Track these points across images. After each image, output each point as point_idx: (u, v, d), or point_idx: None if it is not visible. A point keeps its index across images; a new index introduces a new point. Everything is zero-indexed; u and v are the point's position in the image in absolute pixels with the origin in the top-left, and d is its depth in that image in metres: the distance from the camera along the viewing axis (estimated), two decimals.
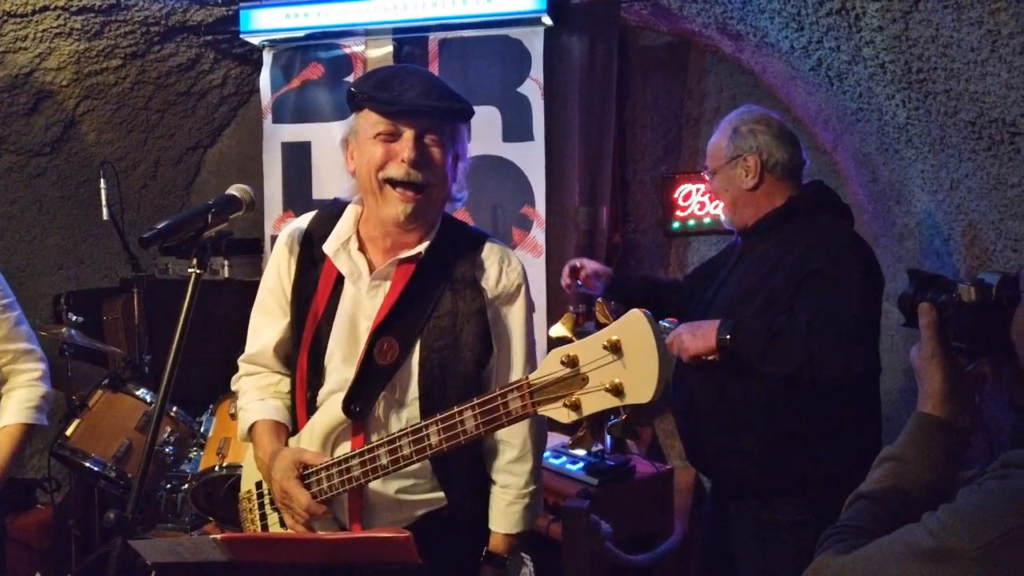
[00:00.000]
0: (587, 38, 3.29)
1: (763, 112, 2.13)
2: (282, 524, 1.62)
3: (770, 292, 1.91)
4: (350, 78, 3.51)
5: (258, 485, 1.71)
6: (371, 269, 1.58)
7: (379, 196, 1.51)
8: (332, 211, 1.65)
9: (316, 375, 1.58)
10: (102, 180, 3.36)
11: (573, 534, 2.21)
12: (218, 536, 1.17)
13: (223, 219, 1.51)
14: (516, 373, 1.59)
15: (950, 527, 0.91)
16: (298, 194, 3.62)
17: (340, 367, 1.56)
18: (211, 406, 3.09)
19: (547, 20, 3.22)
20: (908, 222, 2.68)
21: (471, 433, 1.27)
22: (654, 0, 3.12)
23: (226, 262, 3.82)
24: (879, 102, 2.27)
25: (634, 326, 1.04)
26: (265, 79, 3.62)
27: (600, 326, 1.11)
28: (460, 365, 1.53)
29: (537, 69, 3.28)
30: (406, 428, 1.37)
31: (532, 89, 3.29)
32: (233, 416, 2.89)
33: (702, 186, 3.59)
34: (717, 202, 3.58)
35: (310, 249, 1.62)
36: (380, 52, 3.47)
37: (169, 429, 3.02)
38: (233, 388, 1.77)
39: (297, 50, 3.58)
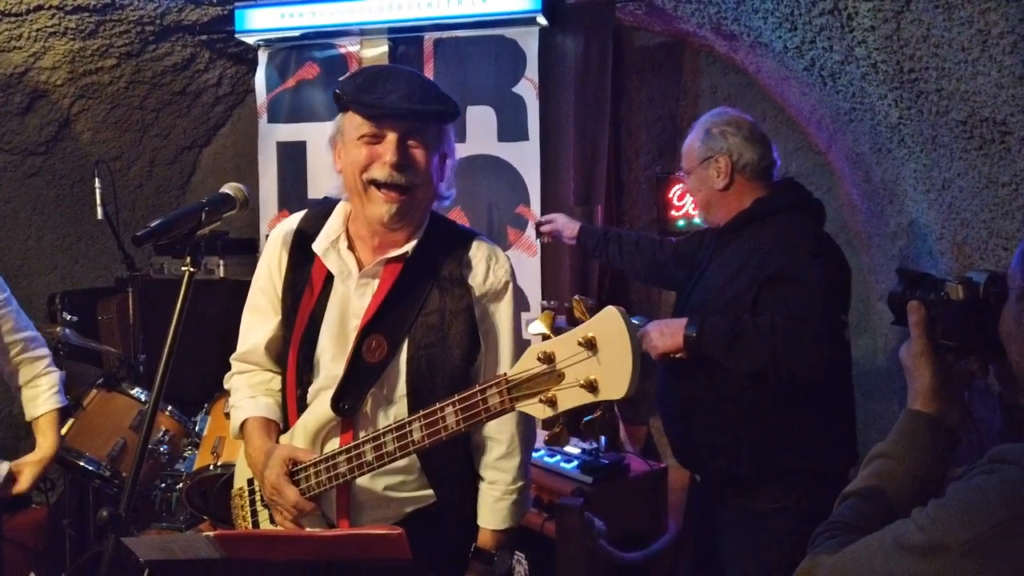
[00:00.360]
0: (582, 38, 3.29)
1: (735, 114, 2.17)
2: (272, 521, 1.62)
3: (734, 293, 1.98)
4: None
5: (250, 482, 1.72)
6: (360, 267, 1.59)
7: (364, 197, 1.53)
8: (322, 210, 1.66)
9: (306, 373, 1.59)
10: (97, 180, 3.36)
11: (567, 532, 2.21)
12: (211, 533, 1.17)
13: (217, 217, 1.51)
14: (503, 370, 1.57)
15: (939, 522, 0.92)
16: (293, 194, 3.62)
17: (329, 365, 1.57)
18: (206, 405, 3.09)
19: (542, 20, 3.22)
20: (901, 221, 2.69)
21: (452, 429, 1.28)
22: (648, 0, 3.13)
23: (221, 262, 3.82)
24: (872, 102, 2.28)
25: (609, 323, 1.05)
26: (260, 79, 3.62)
27: (577, 323, 1.12)
28: (448, 362, 1.54)
29: (532, 69, 3.28)
30: (390, 425, 1.38)
31: (527, 89, 3.30)
32: (227, 415, 2.88)
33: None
34: None
35: (300, 248, 1.63)
36: (375, 52, 3.48)
37: (164, 428, 3.02)
38: (226, 386, 1.78)
39: (292, 50, 3.58)
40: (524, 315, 2.31)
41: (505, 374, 1.17)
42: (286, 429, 1.64)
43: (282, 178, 3.65)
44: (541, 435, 2.92)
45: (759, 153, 2.09)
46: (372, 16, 3.36)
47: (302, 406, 1.60)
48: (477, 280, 1.58)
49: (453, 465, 1.62)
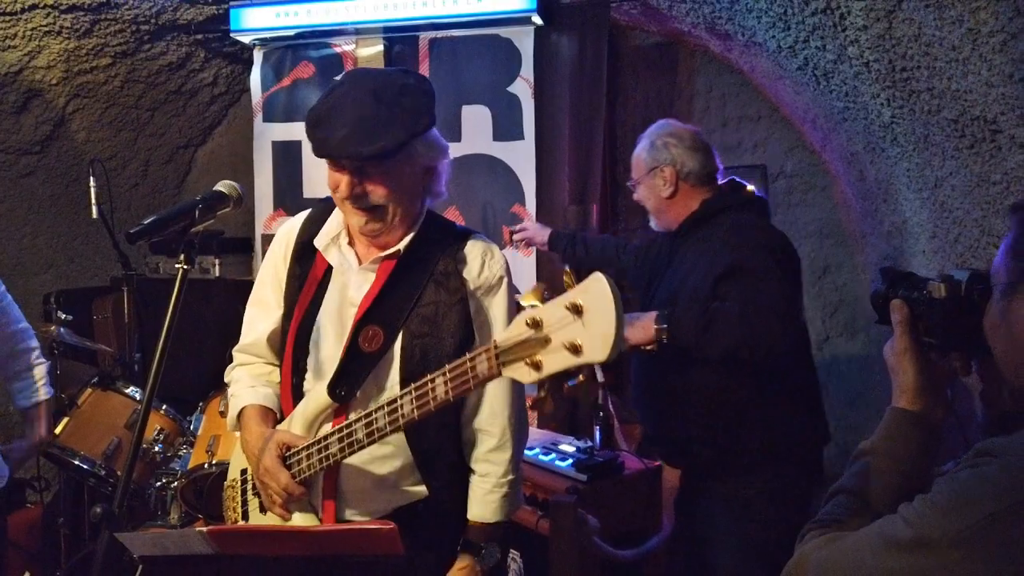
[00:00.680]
0: (577, 38, 3.30)
1: (678, 126, 2.31)
2: (262, 509, 1.64)
3: (692, 289, 2.10)
4: (341, 77, 3.51)
5: (243, 472, 1.74)
6: (359, 262, 1.63)
7: (341, 209, 1.59)
8: (324, 208, 1.70)
9: (302, 362, 1.63)
10: (92, 179, 3.35)
11: (561, 529, 2.22)
12: (204, 529, 1.18)
13: (211, 215, 1.52)
14: None
15: (927, 517, 0.92)
16: (289, 192, 3.63)
17: (326, 355, 1.60)
18: (201, 404, 3.09)
19: (537, 19, 3.23)
20: (895, 220, 2.70)
21: (441, 399, 1.29)
22: (643, 0, 3.14)
23: (217, 261, 3.82)
24: (864, 101, 2.29)
25: (595, 288, 1.06)
26: (255, 78, 3.63)
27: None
28: (441, 352, 1.55)
29: (527, 68, 3.29)
30: (382, 403, 1.40)
31: (522, 88, 3.30)
32: (223, 413, 2.89)
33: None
34: None
35: (304, 244, 1.68)
36: (371, 51, 3.48)
37: (158, 427, 3.02)
38: (226, 379, 1.80)
39: (288, 49, 3.58)
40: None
41: (495, 341, 1.18)
42: (283, 419, 1.66)
43: (277, 177, 3.65)
44: (536, 434, 2.93)
45: (701, 161, 2.22)
46: (367, 15, 3.37)
47: (298, 395, 1.62)
48: (472, 274, 1.61)
49: (448, 460, 1.63)
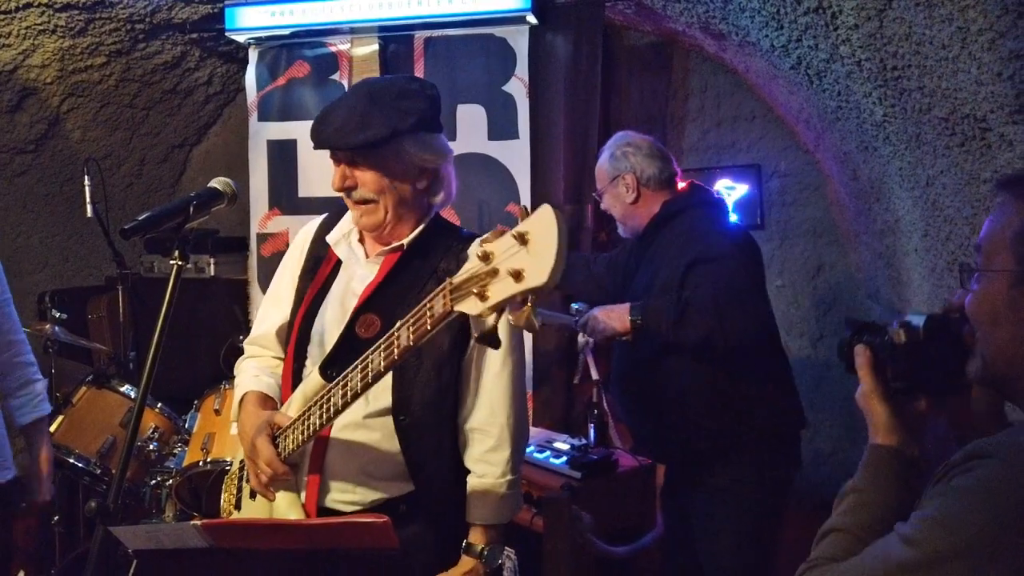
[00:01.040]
0: (572, 37, 3.31)
1: (635, 136, 2.44)
2: (253, 495, 1.66)
3: (662, 284, 2.20)
4: (336, 76, 3.52)
5: (242, 462, 1.76)
6: (367, 256, 1.69)
7: (345, 201, 1.67)
8: (341, 209, 1.77)
9: (304, 349, 1.68)
10: (87, 178, 3.35)
11: (554, 526, 2.23)
12: (198, 522, 1.18)
13: (205, 212, 1.53)
14: (494, 359, 1.62)
15: (930, 532, 0.90)
16: (284, 192, 3.63)
17: (326, 342, 1.62)
18: (196, 402, 3.09)
19: (532, 19, 3.24)
20: (888, 219, 2.71)
21: (403, 345, 1.29)
22: (638, 0, 3.15)
23: (212, 260, 3.82)
24: (857, 100, 2.31)
25: (542, 218, 1.06)
26: (251, 77, 3.62)
27: None
28: (435, 345, 1.57)
29: (522, 67, 3.30)
30: (356, 363, 1.41)
31: (517, 87, 3.31)
32: (218, 411, 2.90)
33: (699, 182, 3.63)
34: None
35: (318, 242, 1.76)
36: (366, 50, 3.49)
37: (153, 425, 3.02)
38: (235, 371, 1.83)
39: (283, 48, 3.58)
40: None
41: (450, 279, 1.19)
42: (283, 406, 1.68)
43: (272, 176, 3.65)
44: (531, 431, 2.94)
45: (659, 167, 2.35)
46: (362, 14, 3.37)
47: (298, 381, 1.65)
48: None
49: (440, 460, 1.62)
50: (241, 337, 3.10)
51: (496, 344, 1.17)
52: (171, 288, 1.44)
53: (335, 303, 1.67)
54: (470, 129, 3.37)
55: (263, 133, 3.63)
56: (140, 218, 1.44)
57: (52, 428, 2.91)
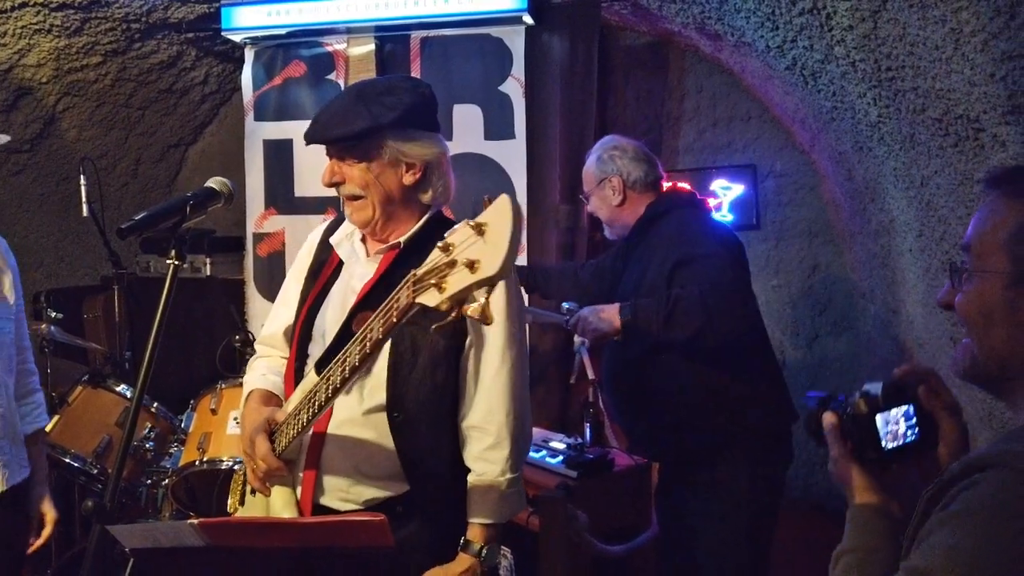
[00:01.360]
0: (568, 37, 3.31)
1: (621, 140, 2.47)
2: (254, 492, 1.67)
3: (649, 284, 2.23)
4: (332, 76, 3.52)
5: None
6: (367, 255, 1.71)
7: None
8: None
9: (306, 347, 1.70)
10: (82, 177, 3.35)
11: (550, 524, 2.23)
12: (195, 521, 1.19)
13: (202, 211, 1.53)
14: (492, 357, 1.61)
15: (951, 564, 0.85)
16: (280, 191, 3.63)
17: (327, 340, 1.63)
18: (192, 402, 3.09)
19: (528, 19, 3.24)
20: (883, 219, 2.72)
21: (374, 338, 1.30)
22: (634, 0, 3.16)
23: (208, 260, 3.82)
24: (852, 100, 2.32)
25: (498, 209, 1.07)
26: (247, 76, 3.62)
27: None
28: (430, 342, 1.58)
29: (518, 68, 3.30)
30: (337, 358, 1.41)
31: (513, 88, 3.32)
32: (214, 411, 2.90)
33: (684, 184, 3.64)
34: None
35: (323, 243, 1.79)
36: (362, 50, 3.49)
37: (149, 425, 3.02)
38: (247, 371, 1.86)
39: (279, 48, 3.58)
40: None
41: (414, 271, 1.18)
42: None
43: (269, 176, 3.65)
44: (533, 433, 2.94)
45: (644, 170, 2.38)
46: (359, 14, 3.37)
47: (300, 379, 1.66)
48: None
49: (437, 459, 1.62)
50: (237, 337, 3.11)
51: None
52: (167, 288, 1.44)
53: (336, 302, 1.69)
54: (466, 129, 3.38)
55: (259, 133, 3.63)
56: (136, 218, 1.44)
57: (48, 428, 2.90)
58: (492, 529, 1.61)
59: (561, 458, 2.55)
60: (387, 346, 1.57)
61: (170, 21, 3.52)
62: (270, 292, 3.57)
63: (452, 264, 1.09)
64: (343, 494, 1.61)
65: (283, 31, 3.49)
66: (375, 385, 1.59)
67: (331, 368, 1.42)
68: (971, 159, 1.82)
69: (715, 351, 2.14)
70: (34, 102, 3.57)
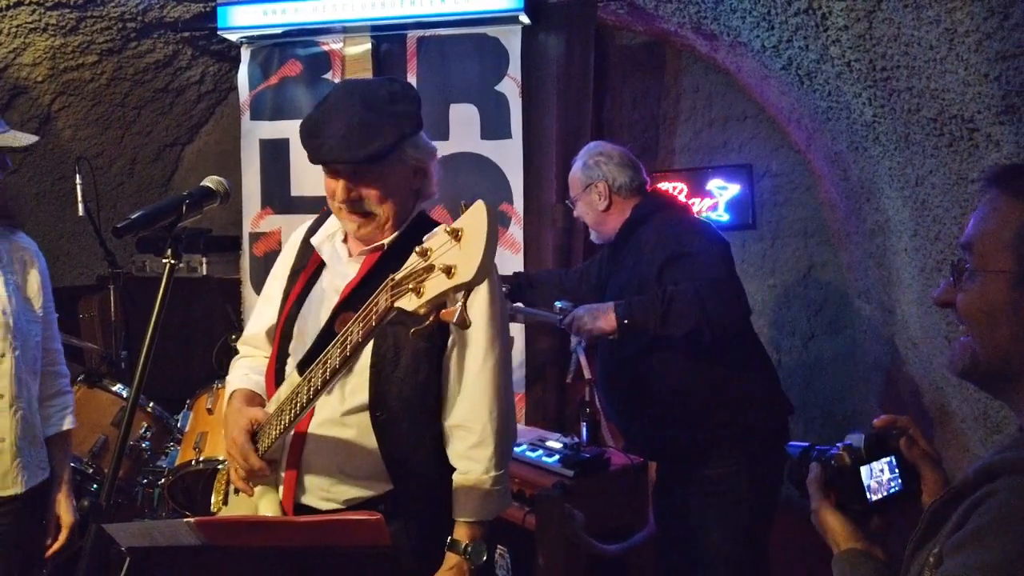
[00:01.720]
0: (564, 37, 3.32)
1: (607, 146, 2.52)
2: (237, 491, 1.67)
3: (639, 284, 2.25)
4: (329, 75, 3.52)
5: None
6: (349, 255, 1.70)
7: (337, 215, 1.67)
8: (329, 210, 1.77)
9: (287, 348, 1.69)
10: (78, 176, 3.35)
11: (547, 523, 2.23)
12: (192, 519, 1.19)
13: (198, 210, 1.53)
14: (475, 356, 1.61)
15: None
16: (276, 191, 3.63)
17: (307, 340, 1.62)
18: (188, 401, 3.09)
19: (524, 19, 3.25)
20: (878, 219, 2.73)
21: (354, 341, 1.30)
22: (630, 0, 3.16)
23: (204, 259, 3.82)
24: (847, 100, 2.32)
25: (474, 215, 1.08)
26: (243, 76, 3.62)
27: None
28: (412, 343, 1.57)
29: (515, 67, 3.30)
30: (318, 359, 1.42)
31: (510, 87, 3.32)
32: (210, 411, 2.90)
33: (680, 184, 3.65)
34: (692, 200, 3.64)
35: (305, 243, 1.78)
36: (358, 49, 3.49)
37: (145, 425, 3.02)
38: (230, 371, 1.84)
39: (275, 47, 3.58)
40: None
41: (392, 276, 1.19)
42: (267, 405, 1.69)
43: (265, 175, 3.65)
44: (524, 430, 2.95)
45: (630, 176, 2.42)
46: (355, 13, 3.37)
47: (280, 380, 1.66)
48: None
49: (416, 455, 1.61)
50: (234, 336, 3.11)
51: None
52: (164, 287, 1.44)
53: (317, 302, 1.68)
54: (463, 129, 3.38)
55: (255, 132, 3.63)
56: (133, 216, 1.44)
57: None
58: (478, 527, 1.61)
59: (557, 457, 2.56)
60: (369, 346, 1.56)
61: (166, 20, 3.52)
62: None
63: (430, 269, 1.11)
64: (324, 493, 1.62)
65: (279, 30, 3.49)
66: (357, 385, 1.59)
67: (312, 369, 1.42)
68: (966, 159, 1.83)
69: (709, 348, 2.15)
70: (29, 101, 3.57)
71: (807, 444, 1.19)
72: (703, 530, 2.24)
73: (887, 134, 2.21)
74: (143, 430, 3.00)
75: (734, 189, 3.63)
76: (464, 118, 3.38)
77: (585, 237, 3.45)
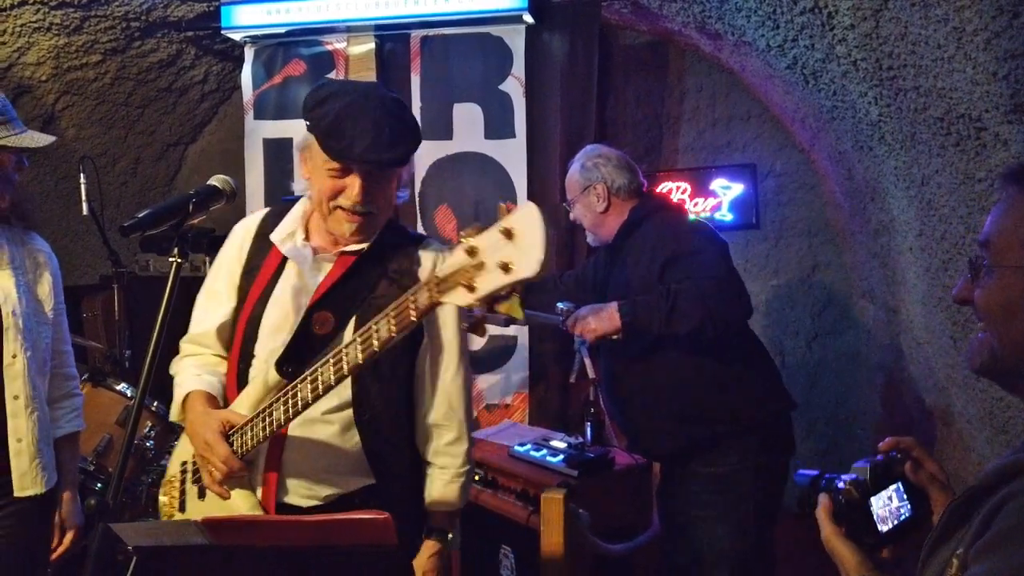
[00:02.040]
0: (568, 37, 3.32)
1: (605, 149, 2.53)
2: (201, 495, 1.66)
3: (639, 284, 2.26)
4: (332, 75, 3.52)
5: (183, 464, 1.75)
6: (315, 253, 1.68)
7: (329, 216, 1.63)
8: (283, 207, 1.77)
9: (251, 349, 1.66)
10: (82, 176, 3.35)
11: (551, 523, 2.23)
12: (199, 519, 1.19)
13: (205, 210, 1.53)
14: (450, 359, 1.70)
15: None
16: (279, 190, 3.62)
17: (275, 340, 1.63)
18: None
19: (528, 18, 3.25)
20: (883, 218, 2.72)
21: (384, 337, 1.32)
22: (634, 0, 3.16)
23: (208, 259, 3.79)
24: (852, 99, 2.32)
25: (526, 214, 1.12)
26: (247, 75, 3.62)
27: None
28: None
29: (519, 67, 3.31)
30: (327, 357, 1.42)
31: (514, 87, 3.32)
32: None
33: (684, 184, 3.65)
34: (696, 200, 3.64)
35: (260, 239, 1.73)
36: (362, 49, 3.49)
37: (149, 424, 3.02)
38: (172, 371, 1.79)
39: (279, 47, 3.58)
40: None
41: (435, 274, 1.23)
42: (227, 407, 1.66)
43: (268, 175, 3.65)
44: (528, 430, 2.94)
45: (628, 178, 2.43)
46: (359, 13, 3.37)
47: (243, 382, 1.65)
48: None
49: (397, 451, 1.67)
50: None
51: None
52: (170, 286, 1.43)
53: (284, 301, 1.65)
54: (467, 128, 3.38)
55: (259, 132, 3.63)
56: (139, 215, 1.43)
57: None
58: (456, 515, 1.75)
59: (562, 457, 2.55)
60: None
61: (170, 19, 3.52)
62: None
63: (480, 266, 1.15)
64: (306, 491, 1.63)
65: (283, 30, 3.49)
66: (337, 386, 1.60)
67: (320, 367, 1.42)
68: (973, 158, 1.82)
69: (711, 348, 2.17)
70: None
71: (816, 472, 1.19)
72: (707, 524, 2.25)
73: (893, 133, 2.21)
74: (147, 429, 3.01)
75: (738, 189, 3.63)
76: (468, 117, 3.38)
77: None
